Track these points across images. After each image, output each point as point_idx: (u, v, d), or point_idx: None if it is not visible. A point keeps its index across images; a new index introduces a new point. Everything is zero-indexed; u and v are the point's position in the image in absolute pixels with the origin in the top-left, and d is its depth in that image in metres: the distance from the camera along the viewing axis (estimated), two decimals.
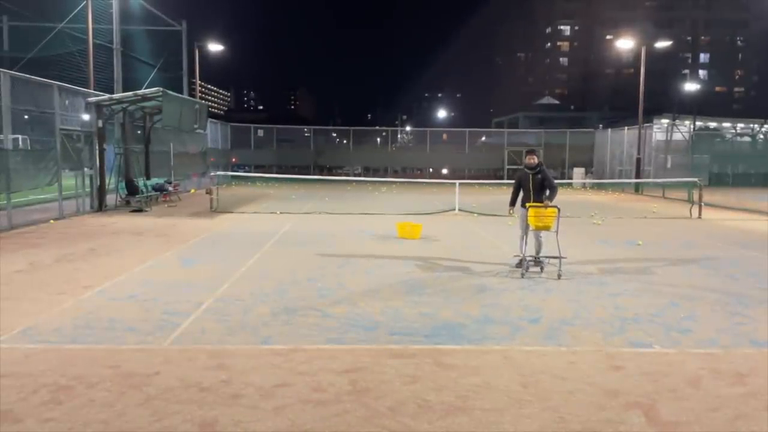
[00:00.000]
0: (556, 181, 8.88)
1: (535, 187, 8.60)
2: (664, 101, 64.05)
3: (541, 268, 8.43)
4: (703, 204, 16.82)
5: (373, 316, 5.97)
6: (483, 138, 47.14)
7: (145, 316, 5.85)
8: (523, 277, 8.03)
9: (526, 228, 8.60)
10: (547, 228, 8.32)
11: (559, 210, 8.30)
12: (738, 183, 29.84)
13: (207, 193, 19.08)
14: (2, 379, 4.19)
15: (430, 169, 39.68)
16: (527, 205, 8.53)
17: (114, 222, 13.75)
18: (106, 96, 16.90)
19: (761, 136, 42.71)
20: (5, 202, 11.96)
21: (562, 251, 8.18)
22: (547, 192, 8.62)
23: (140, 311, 6.04)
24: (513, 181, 9.16)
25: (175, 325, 5.55)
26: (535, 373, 4.46)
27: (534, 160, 8.65)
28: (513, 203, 9.05)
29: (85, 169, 15.51)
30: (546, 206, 8.41)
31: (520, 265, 8.53)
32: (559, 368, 4.56)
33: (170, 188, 19.77)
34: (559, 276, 8.04)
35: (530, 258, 8.44)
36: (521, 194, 8.91)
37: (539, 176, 8.63)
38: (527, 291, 7.26)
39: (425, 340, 5.24)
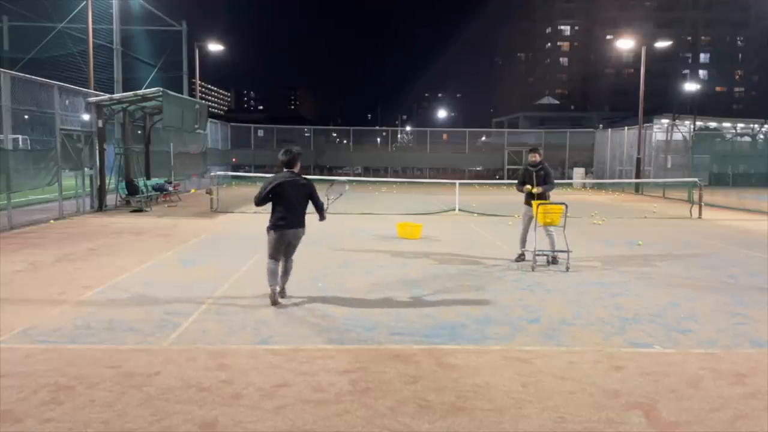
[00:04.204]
0: (555, 181, 9.23)
1: (538, 184, 8.98)
2: (664, 101, 64.13)
3: (557, 262, 8.89)
4: (703, 204, 16.83)
5: (373, 316, 5.97)
6: (483, 138, 47.18)
7: (145, 316, 5.85)
8: (533, 270, 8.42)
9: (527, 225, 8.95)
10: (553, 224, 8.64)
11: (566, 206, 8.54)
12: (738, 183, 29.82)
13: (207, 193, 19.07)
14: (2, 379, 4.19)
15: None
16: (535, 202, 8.76)
17: (114, 222, 13.75)
18: (106, 96, 16.91)
19: (761, 136, 42.72)
20: (5, 202, 11.96)
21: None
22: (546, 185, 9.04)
23: (140, 311, 6.04)
24: (514, 181, 9.54)
25: (175, 325, 5.55)
26: (535, 373, 4.46)
27: (536, 157, 9.01)
28: (522, 185, 9.24)
29: (85, 169, 15.51)
30: (546, 200, 8.86)
31: (519, 260, 9.07)
32: (559, 368, 4.56)
33: (170, 188, 19.77)
34: (567, 269, 8.47)
35: (539, 253, 8.78)
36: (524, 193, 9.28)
37: (542, 172, 9.04)
38: (527, 291, 7.26)
39: (425, 340, 5.24)
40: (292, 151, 6.44)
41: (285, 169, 6.38)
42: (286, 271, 6.57)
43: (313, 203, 6.54)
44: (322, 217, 6.72)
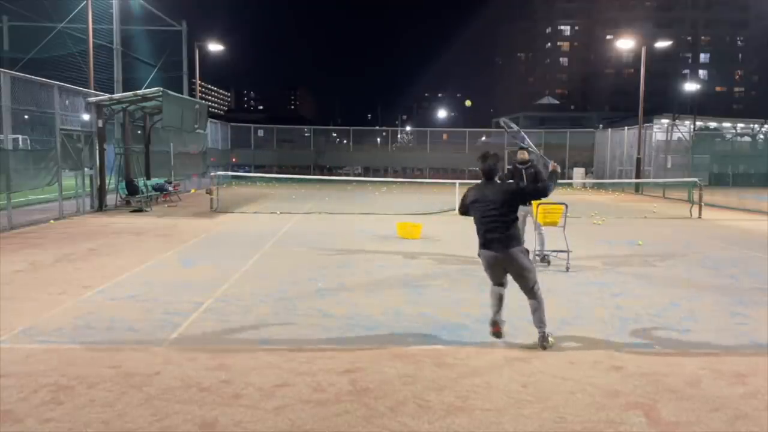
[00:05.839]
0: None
1: (529, 182, 8.74)
2: (664, 101, 64.12)
3: (548, 263, 8.80)
4: (703, 204, 16.82)
5: (373, 316, 5.97)
6: (483, 138, 47.17)
7: (145, 316, 5.85)
8: None
9: (522, 225, 8.89)
10: (554, 224, 8.59)
11: (566, 206, 8.51)
12: (738, 183, 29.82)
13: (207, 193, 19.08)
14: (2, 379, 4.19)
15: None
16: (535, 202, 8.70)
17: (114, 222, 13.75)
18: (106, 96, 16.91)
19: (761, 136, 42.74)
20: (5, 202, 11.96)
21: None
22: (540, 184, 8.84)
23: (140, 311, 6.04)
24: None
25: (175, 325, 5.55)
26: (535, 373, 4.46)
27: (525, 155, 8.85)
28: None
29: (85, 169, 15.51)
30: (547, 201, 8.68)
31: None
32: (559, 368, 4.56)
33: (170, 188, 19.77)
34: (567, 269, 8.43)
35: (537, 253, 8.70)
36: None
37: (532, 170, 8.89)
38: None
39: (425, 340, 5.24)
40: (487, 157, 5.35)
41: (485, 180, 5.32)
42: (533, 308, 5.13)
43: (530, 199, 5.19)
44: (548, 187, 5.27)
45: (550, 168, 5.51)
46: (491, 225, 5.04)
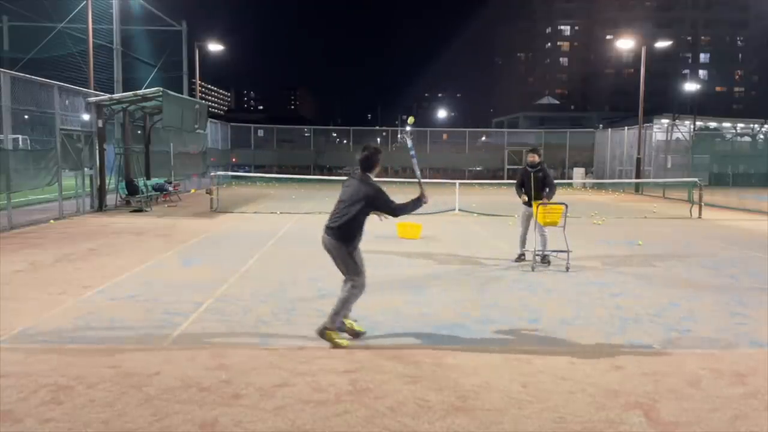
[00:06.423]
0: (555, 181, 9.18)
1: (536, 185, 8.88)
2: (664, 101, 64.14)
3: (548, 263, 8.84)
4: (703, 204, 16.82)
5: (373, 316, 5.97)
6: (483, 138, 47.22)
7: (145, 316, 5.85)
8: (533, 270, 8.42)
9: (526, 225, 8.96)
10: (554, 224, 8.61)
11: (566, 206, 8.56)
12: (738, 183, 29.79)
13: (207, 193, 19.08)
14: (2, 379, 4.19)
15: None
16: (535, 202, 8.74)
17: (114, 222, 13.75)
18: (106, 96, 16.90)
19: (761, 136, 42.74)
20: (5, 202, 11.95)
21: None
22: (547, 190, 8.85)
23: (140, 311, 6.03)
24: (514, 181, 9.48)
25: (175, 325, 5.55)
26: (535, 373, 4.46)
27: (535, 158, 8.93)
28: (520, 186, 9.15)
29: (85, 169, 15.51)
30: (546, 203, 8.77)
31: (519, 260, 9.05)
32: (559, 368, 4.56)
33: (170, 188, 19.77)
34: (567, 269, 8.44)
35: (538, 253, 8.74)
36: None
37: (540, 174, 8.96)
38: (527, 291, 7.27)
39: (425, 340, 5.24)
40: (369, 148, 5.27)
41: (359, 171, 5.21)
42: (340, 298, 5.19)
43: (380, 210, 5.36)
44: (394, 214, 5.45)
45: (419, 194, 5.43)
46: (334, 215, 5.24)
